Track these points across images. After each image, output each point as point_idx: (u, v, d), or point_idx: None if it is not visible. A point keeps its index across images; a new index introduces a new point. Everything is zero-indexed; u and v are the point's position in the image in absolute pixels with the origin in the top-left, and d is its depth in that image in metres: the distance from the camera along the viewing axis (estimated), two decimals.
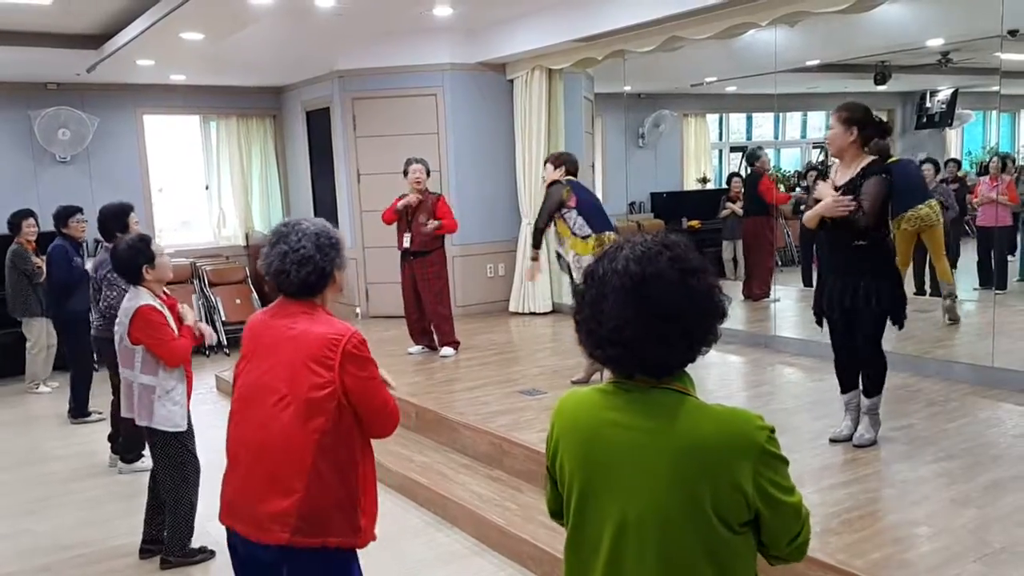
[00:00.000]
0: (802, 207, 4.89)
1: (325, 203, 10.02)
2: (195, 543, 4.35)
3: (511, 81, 9.13)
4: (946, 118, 9.26)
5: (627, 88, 9.53)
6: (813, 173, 9.00)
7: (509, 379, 6.36)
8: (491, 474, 4.98)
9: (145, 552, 4.41)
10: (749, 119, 12.37)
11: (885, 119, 4.47)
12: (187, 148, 11.05)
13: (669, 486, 1.54)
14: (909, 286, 6.76)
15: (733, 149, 12.52)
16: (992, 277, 8.14)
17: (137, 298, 4.07)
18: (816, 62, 8.98)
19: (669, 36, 7.02)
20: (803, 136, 11.76)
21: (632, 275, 1.56)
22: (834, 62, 9.13)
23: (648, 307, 1.55)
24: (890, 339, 4.51)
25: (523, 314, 9.08)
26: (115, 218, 5.47)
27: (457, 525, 4.62)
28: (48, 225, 7.76)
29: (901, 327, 4.45)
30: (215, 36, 7.39)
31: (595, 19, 7.40)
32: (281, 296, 2.55)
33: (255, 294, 10.35)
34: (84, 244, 7.10)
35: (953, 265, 7.80)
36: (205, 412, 6.50)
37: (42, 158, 9.59)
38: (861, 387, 4.52)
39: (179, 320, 4.22)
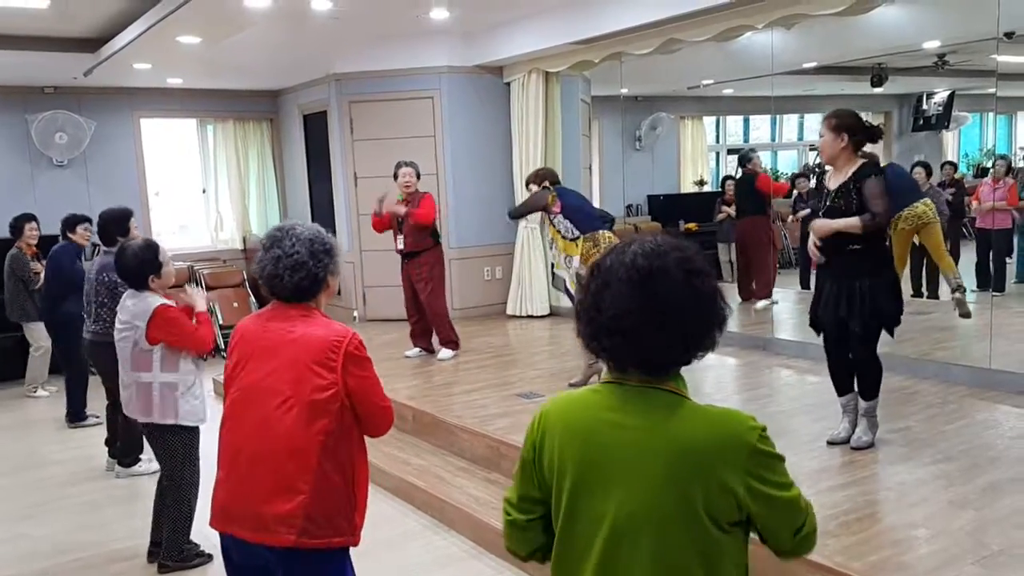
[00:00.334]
0: (799, 212, 4.92)
1: (322, 206, 10.03)
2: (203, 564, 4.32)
3: (508, 84, 9.13)
4: (943, 120, 9.28)
5: (624, 91, 9.55)
6: (811, 179, 9.02)
7: (507, 382, 6.36)
8: (489, 477, 4.98)
9: (152, 555, 4.39)
10: (746, 121, 12.39)
11: (875, 123, 4.50)
12: (184, 152, 11.05)
13: (661, 486, 1.55)
14: (906, 288, 6.79)
15: (730, 151, 12.53)
16: (989, 279, 8.15)
17: (149, 299, 4.07)
18: (813, 64, 8.99)
19: (666, 39, 7.03)
20: (800, 138, 11.77)
21: (639, 268, 1.58)
22: (831, 64, 9.15)
23: (650, 301, 1.57)
24: (888, 341, 4.51)
25: (520, 317, 9.08)
26: (116, 223, 5.49)
27: (455, 528, 4.61)
28: (48, 229, 7.77)
29: (892, 335, 4.45)
30: (212, 40, 7.39)
31: (592, 22, 7.41)
32: (275, 300, 2.56)
33: (252, 297, 10.34)
34: (84, 250, 7.10)
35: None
36: (205, 417, 6.49)
37: (39, 162, 9.59)
38: (857, 390, 4.53)
39: (187, 310, 4.23)
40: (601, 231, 5.83)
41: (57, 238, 7.36)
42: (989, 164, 9.00)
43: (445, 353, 7.19)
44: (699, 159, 11.98)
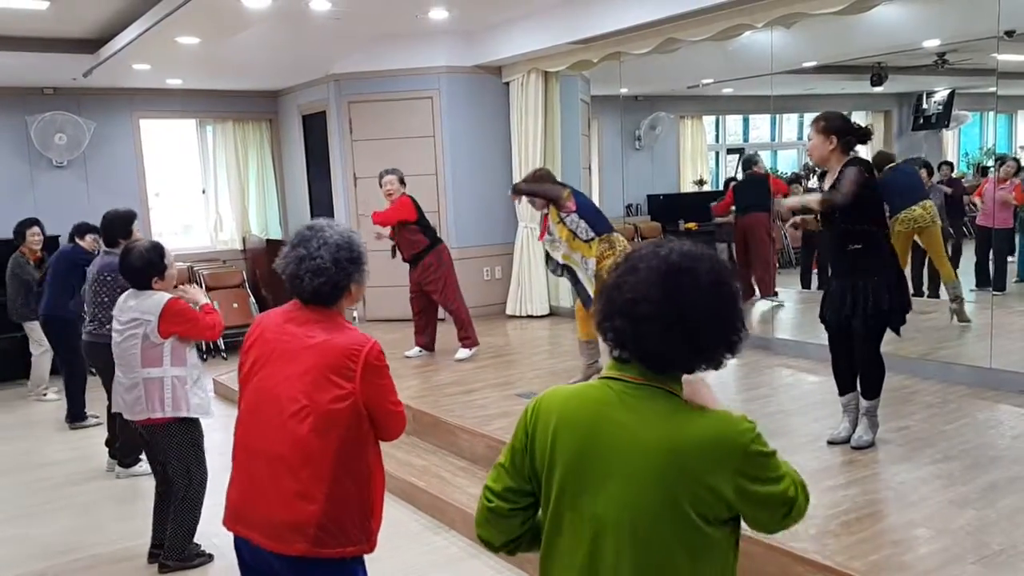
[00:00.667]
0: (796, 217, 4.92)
1: (322, 206, 10.02)
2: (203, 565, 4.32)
3: (507, 84, 9.13)
4: (943, 119, 9.27)
5: (623, 90, 9.54)
6: (811, 178, 9.01)
7: (507, 382, 6.36)
8: None
9: (153, 556, 4.38)
10: (746, 121, 12.39)
11: (865, 125, 4.52)
12: (184, 152, 11.04)
13: (651, 485, 1.56)
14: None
15: (730, 151, 12.53)
16: (988, 278, 8.14)
17: (155, 295, 4.08)
18: (812, 63, 8.99)
19: (665, 38, 7.03)
20: (800, 137, 11.76)
21: (671, 262, 1.61)
22: (830, 63, 9.13)
23: (671, 296, 1.58)
24: (888, 340, 4.51)
25: (520, 317, 9.08)
26: (120, 224, 5.49)
27: (454, 528, 4.61)
28: (48, 229, 7.76)
29: (898, 333, 4.46)
30: (211, 40, 7.39)
31: (591, 21, 7.40)
32: (296, 299, 2.51)
33: (252, 298, 10.35)
34: (91, 256, 7.05)
35: (956, 266, 7.79)
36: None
37: (39, 163, 9.58)
38: (859, 389, 4.52)
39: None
40: (615, 234, 5.75)
41: (57, 239, 7.37)
42: (990, 163, 9.00)
43: (463, 353, 7.12)
44: (699, 159, 11.98)
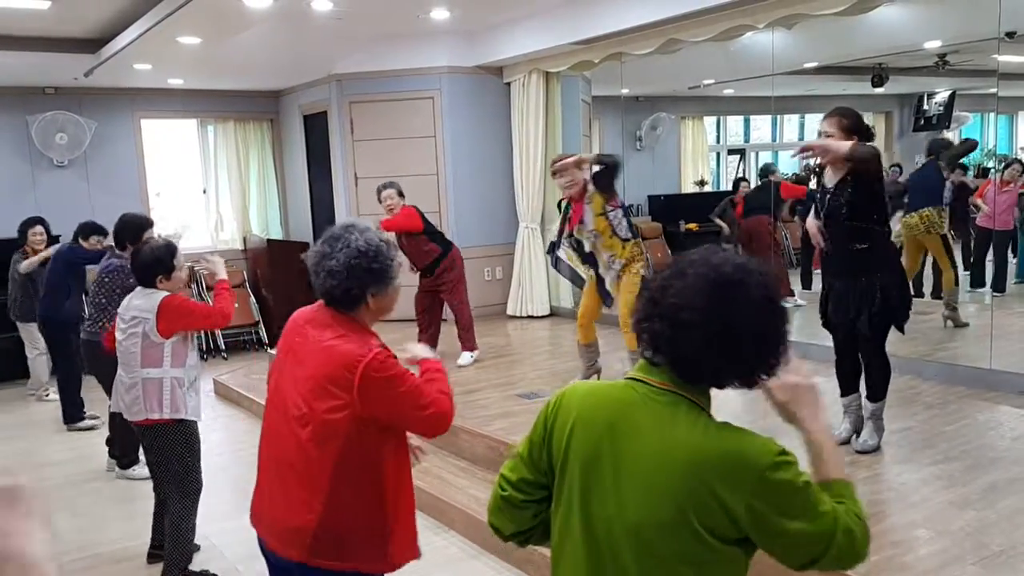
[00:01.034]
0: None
1: (323, 207, 10.03)
2: (199, 561, 4.29)
3: (508, 84, 9.13)
4: (944, 120, 9.28)
5: (624, 91, 9.55)
6: (811, 179, 9.01)
7: (507, 382, 6.36)
8: (489, 478, 4.97)
9: (153, 557, 4.36)
10: (747, 121, 12.40)
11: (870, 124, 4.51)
12: (185, 152, 11.04)
13: (661, 494, 1.52)
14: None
15: (731, 152, 12.54)
16: (984, 278, 8.14)
17: (155, 294, 4.03)
18: (814, 64, 8.99)
19: (667, 39, 7.03)
20: (801, 138, 11.76)
21: (722, 272, 1.56)
22: (832, 64, 9.15)
23: (717, 307, 1.53)
24: (890, 341, 4.50)
25: (521, 317, 9.08)
26: (132, 230, 5.32)
27: (455, 529, 4.61)
28: (52, 229, 7.75)
29: (902, 331, 4.42)
30: (212, 40, 7.39)
31: (592, 22, 7.41)
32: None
33: (253, 298, 10.35)
34: (91, 256, 7.00)
35: (966, 267, 7.77)
36: (205, 417, 6.51)
37: (40, 162, 9.58)
38: (864, 391, 4.49)
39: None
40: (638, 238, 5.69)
41: (59, 239, 7.36)
42: (991, 164, 9.00)
43: (466, 358, 7.05)
44: (700, 159, 11.98)
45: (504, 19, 8.23)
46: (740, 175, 11.37)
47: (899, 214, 7.15)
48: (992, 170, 8.69)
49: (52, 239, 7.67)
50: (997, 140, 9.62)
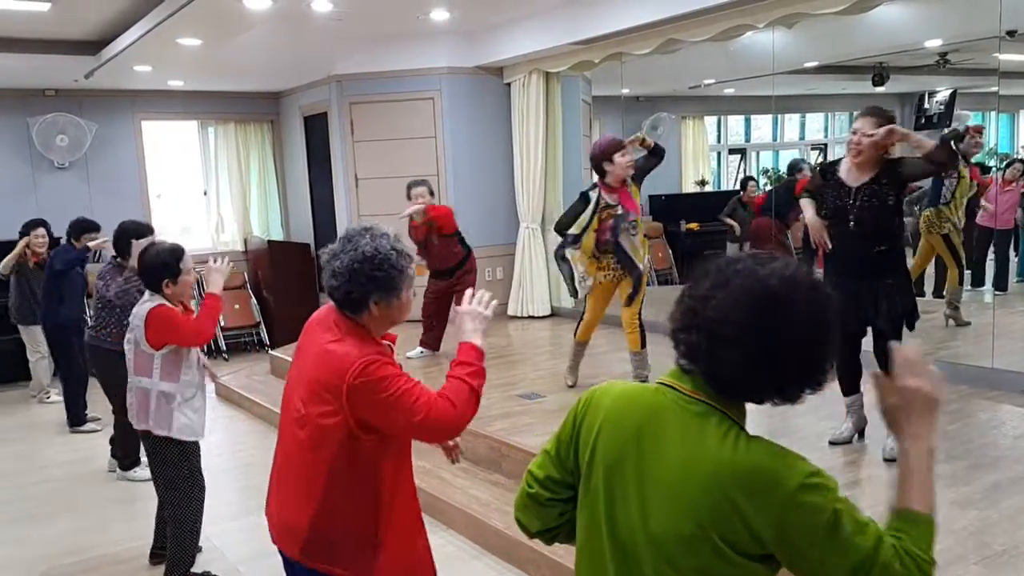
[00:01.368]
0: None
1: (324, 208, 10.03)
2: (201, 563, 4.28)
3: (508, 85, 9.12)
4: (945, 119, 9.26)
5: (625, 91, 9.54)
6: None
7: (508, 383, 6.35)
8: (490, 478, 4.97)
9: (155, 557, 4.36)
10: (747, 121, 12.39)
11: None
12: (185, 154, 11.04)
13: (683, 506, 1.46)
14: None
15: (731, 151, 12.54)
16: (984, 278, 8.13)
17: (149, 303, 3.94)
18: (814, 64, 8.99)
19: (667, 38, 7.02)
20: (801, 138, 11.77)
21: (767, 286, 1.45)
22: (832, 63, 9.14)
23: (761, 323, 1.44)
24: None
25: (522, 318, 9.07)
26: (127, 238, 5.22)
27: (455, 529, 4.60)
28: (57, 232, 7.75)
29: (912, 328, 4.35)
30: (212, 42, 7.39)
31: (592, 22, 7.40)
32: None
33: (254, 299, 10.36)
34: (87, 256, 6.96)
35: (968, 266, 7.75)
36: (206, 418, 6.54)
37: (40, 164, 9.59)
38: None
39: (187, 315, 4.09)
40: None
41: (60, 240, 7.34)
42: (992, 163, 8.99)
43: None
44: (700, 159, 11.98)
45: (504, 19, 8.22)
46: (748, 174, 11.35)
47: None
48: (993, 169, 8.67)
49: (54, 241, 7.67)
50: (999, 139, 9.62)
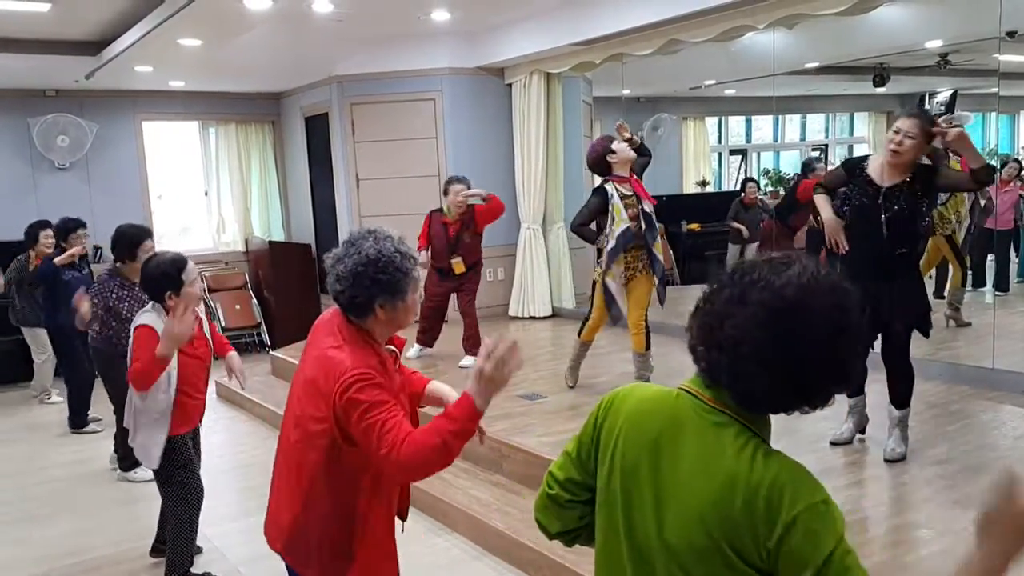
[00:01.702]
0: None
1: (325, 208, 10.03)
2: (201, 564, 4.29)
3: (509, 85, 9.13)
4: (945, 120, 9.25)
5: (626, 92, 9.54)
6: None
7: (509, 383, 6.33)
8: (491, 479, 4.97)
9: (156, 551, 4.37)
10: (748, 122, 12.39)
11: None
12: (186, 154, 11.05)
13: (696, 519, 1.45)
14: None
15: (732, 152, 12.54)
16: (985, 279, 8.13)
17: (145, 317, 3.86)
18: (815, 65, 8.98)
19: (667, 39, 7.02)
20: (802, 138, 11.77)
21: (785, 298, 1.41)
22: (833, 64, 9.13)
23: (780, 338, 1.40)
24: None
25: (523, 318, 9.07)
26: (128, 244, 5.11)
27: (456, 530, 4.61)
28: None
29: (927, 335, 4.33)
30: (213, 42, 7.40)
31: (593, 22, 7.40)
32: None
33: (255, 300, 10.36)
34: (85, 256, 6.94)
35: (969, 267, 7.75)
36: (206, 419, 6.53)
37: (41, 165, 9.59)
38: (889, 399, 4.33)
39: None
40: None
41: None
42: (992, 163, 8.99)
43: (469, 360, 6.94)
44: (701, 160, 11.98)
45: (505, 20, 8.23)
46: (747, 176, 11.34)
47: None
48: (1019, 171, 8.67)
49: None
50: (999, 140, 9.61)
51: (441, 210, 6.83)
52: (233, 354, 4.34)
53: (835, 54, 8.83)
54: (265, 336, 10.24)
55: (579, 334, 5.94)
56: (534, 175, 8.91)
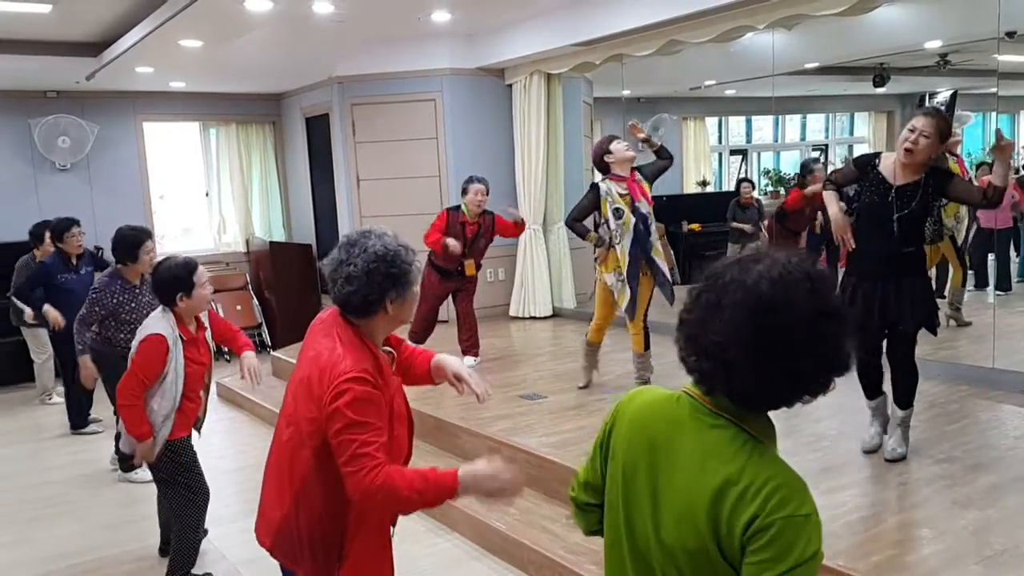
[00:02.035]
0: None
1: (325, 209, 10.04)
2: (204, 567, 4.29)
3: (510, 86, 9.13)
4: None
5: (626, 92, 9.54)
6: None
7: (509, 383, 6.35)
8: None
9: (164, 552, 4.38)
10: (748, 122, 12.39)
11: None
12: (187, 155, 11.06)
13: (690, 522, 1.47)
14: None
15: (733, 152, 12.54)
16: (987, 279, 8.12)
17: (157, 325, 3.87)
18: (815, 65, 8.99)
19: (667, 40, 7.03)
20: (803, 139, 11.77)
21: (759, 295, 1.40)
22: (833, 65, 9.14)
23: (763, 335, 1.39)
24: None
25: (523, 318, 9.08)
26: (129, 246, 5.11)
27: (457, 530, 4.62)
28: None
29: (935, 333, 4.31)
30: (214, 43, 7.41)
31: (593, 23, 7.41)
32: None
33: (255, 300, 10.37)
34: (83, 255, 6.90)
35: (970, 266, 7.73)
36: (207, 421, 6.53)
37: (42, 166, 9.60)
38: (892, 398, 4.32)
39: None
40: None
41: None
42: (991, 162, 8.99)
43: (469, 360, 6.94)
44: (702, 160, 11.98)
45: (505, 21, 8.23)
46: (742, 176, 11.35)
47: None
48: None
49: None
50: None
51: (459, 208, 6.75)
52: (250, 354, 4.31)
53: (835, 54, 8.83)
54: (266, 336, 10.25)
55: (587, 336, 5.96)
56: (534, 175, 8.92)
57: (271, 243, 10.70)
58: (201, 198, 11.13)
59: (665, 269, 5.58)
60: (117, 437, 5.86)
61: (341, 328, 2.33)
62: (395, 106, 9.06)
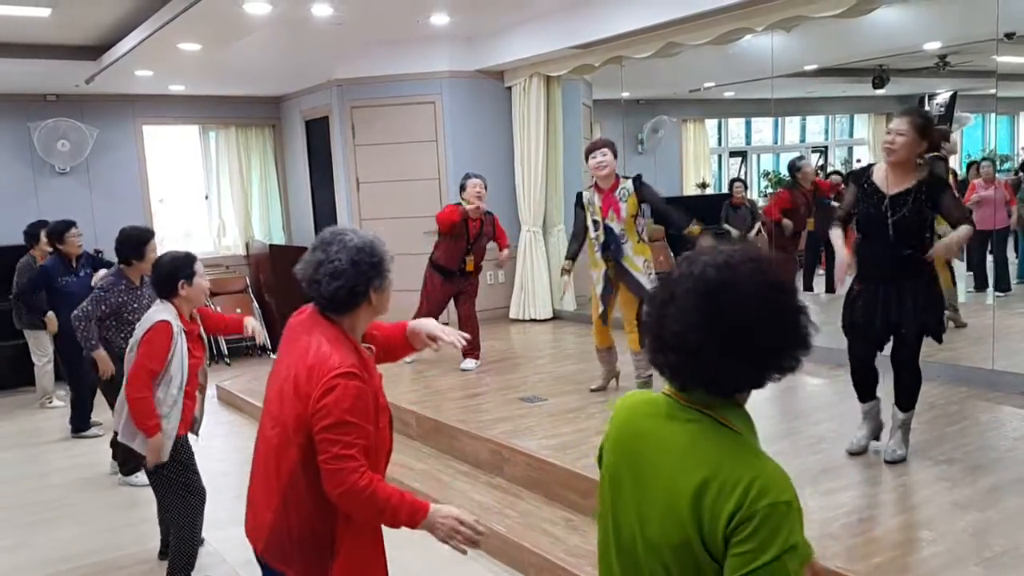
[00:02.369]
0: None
1: (325, 212, 10.04)
2: (204, 570, 4.28)
3: (509, 88, 9.14)
4: (945, 121, 9.26)
5: (625, 94, 9.55)
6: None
7: (509, 386, 6.35)
8: (491, 481, 4.97)
9: (164, 554, 4.38)
10: (748, 124, 12.40)
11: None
12: (187, 158, 11.06)
13: (672, 518, 1.48)
14: None
15: (732, 154, 12.55)
16: (986, 280, 8.12)
17: (160, 313, 3.90)
18: (813, 67, 8.99)
19: (666, 42, 7.04)
20: (802, 140, 11.77)
21: (707, 280, 1.46)
22: (832, 66, 9.14)
23: (717, 318, 1.44)
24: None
25: (523, 321, 9.08)
26: (134, 245, 5.10)
27: None
28: None
29: (940, 341, 4.31)
30: (213, 46, 7.41)
31: (593, 26, 7.42)
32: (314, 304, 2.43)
33: (255, 303, 10.36)
34: (81, 257, 6.90)
35: (968, 268, 7.72)
36: (207, 423, 6.52)
37: (42, 169, 9.60)
38: (894, 400, 4.32)
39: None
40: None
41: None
42: (995, 164, 9.00)
43: (470, 363, 6.99)
44: (701, 162, 12.00)
45: (504, 23, 8.24)
46: (734, 176, 11.37)
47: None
48: (994, 170, 8.68)
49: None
50: (997, 141, 9.62)
51: (460, 205, 6.83)
52: (249, 318, 4.67)
53: (834, 56, 8.84)
54: (266, 339, 10.24)
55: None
56: (534, 178, 8.92)
57: (271, 246, 10.70)
58: (201, 201, 11.14)
59: (643, 279, 5.54)
60: (113, 442, 5.87)
61: (322, 326, 2.36)
62: (395, 109, 9.06)
